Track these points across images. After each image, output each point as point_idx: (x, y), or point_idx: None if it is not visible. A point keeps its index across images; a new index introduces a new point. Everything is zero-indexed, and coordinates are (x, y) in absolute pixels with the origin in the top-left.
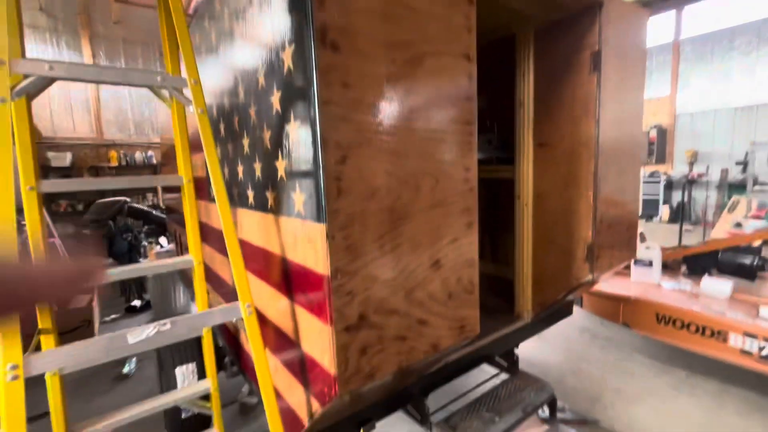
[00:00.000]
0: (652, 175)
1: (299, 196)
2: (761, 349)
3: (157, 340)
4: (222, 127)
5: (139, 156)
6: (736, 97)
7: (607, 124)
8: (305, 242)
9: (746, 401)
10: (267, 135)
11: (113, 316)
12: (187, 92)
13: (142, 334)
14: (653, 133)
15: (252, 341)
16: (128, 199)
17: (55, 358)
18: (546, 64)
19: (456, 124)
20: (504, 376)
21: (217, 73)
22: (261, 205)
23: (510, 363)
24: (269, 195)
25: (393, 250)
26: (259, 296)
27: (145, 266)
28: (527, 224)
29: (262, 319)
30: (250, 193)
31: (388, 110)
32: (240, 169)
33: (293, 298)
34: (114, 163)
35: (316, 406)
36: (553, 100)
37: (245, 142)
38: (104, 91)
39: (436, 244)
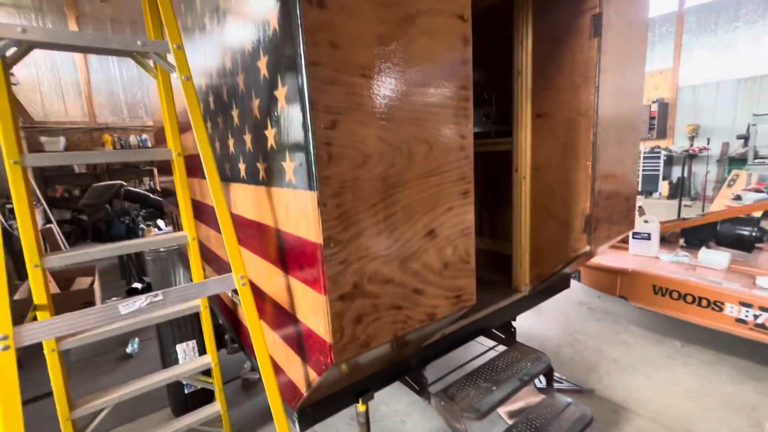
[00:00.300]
0: (652, 150)
1: (289, 165)
2: (756, 317)
3: (150, 311)
4: (211, 99)
5: (134, 140)
6: (740, 68)
7: (606, 92)
8: (297, 212)
9: (739, 368)
10: (256, 104)
11: (114, 299)
12: (171, 58)
13: (134, 304)
14: (654, 108)
15: (246, 312)
16: (124, 183)
17: (46, 329)
18: (545, 30)
19: (450, 88)
20: (501, 348)
21: (204, 43)
22: (253, 178)
23: (507, 335)
24: (260, 166)
25: (386, 219)
26: (256, 271)
27: (140, 242)
28: (525, 197)
29: (260, 294)
30: (242, 166)
31: (379, 73)
32: (231, 142)
33: (288, 270)
34: (109, 147)
35: (313, 375)
36: (552, 68)
37: (234, 113)
38: (95, 73)
39: (430, 213)
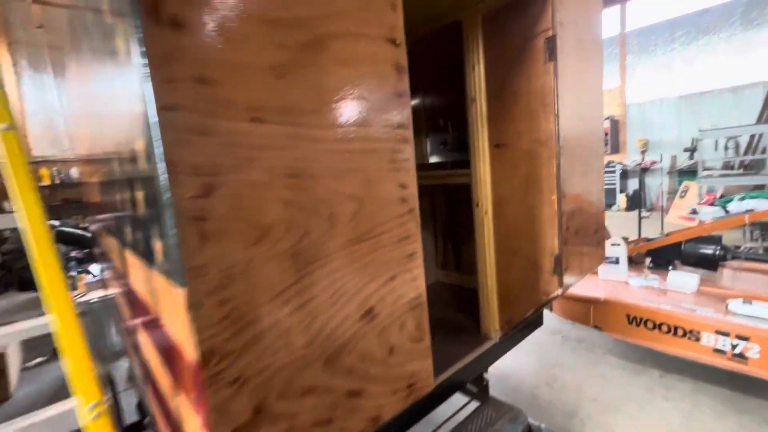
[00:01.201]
0: (608, 165)
1: (157, 245)
2: (734, 347)
3: None
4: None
5: (75, 172)
6: (680, 86)
7: (567, 118)
8: (172, 311)
9: (721, 399)
10: (123, 154)
11: (39, 360)
12: None
13: None
14: (607, 124)
15: None
16: (56, 223)
17: None
18: (498, 54)
19: (383, 128)
20: (474, 404)
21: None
22: (135, 247)
23: (480, 388)
24: (138, 236)
25: (302, 307)
26: (156, 370)
27: None
28: (488, 235)
29: (165, 408)
30: (127, 230)
31: (280, 114)
32: (118, 196)
33: (176, 383)
34: (46, 182)
35: None
36: (507, 95)
37: (113, 161)
38: (31, 102)
39: (366, 288)
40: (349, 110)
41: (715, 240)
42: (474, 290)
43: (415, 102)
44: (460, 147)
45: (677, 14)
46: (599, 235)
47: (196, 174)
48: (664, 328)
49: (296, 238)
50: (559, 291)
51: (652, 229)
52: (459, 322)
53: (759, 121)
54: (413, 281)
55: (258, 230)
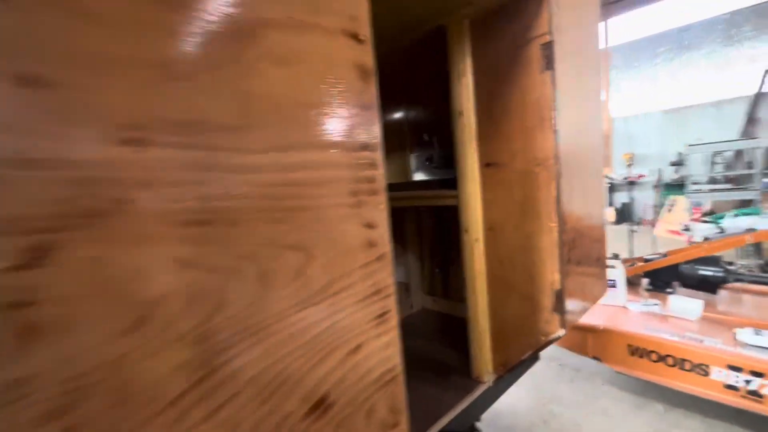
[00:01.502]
0: None
1: None
2: (747, 383)
3: None
4: None
5: None
6: (664, 100)
7: (566, 134)
8: None
9: None
10: None
11: None
12: None
13: None
14: None
15: None
16: None
17: None
18: (487, 64)
19: (342, 151)
20: None
21: None
22: None
23: None
24: None
25: (210, 418)
26: None
27: None
28: (479, 266)
29: None
30: None
31: (177, 132)
32: None
33: None
34: None
35: None
36: (499, 108)
37: None
38: None
39: (316, 370)
40: (289, 126)
41: (715, 260)
42: (464, 319)
43: (398, 115)
44: (447, 164)
45: (659, 30)
46: (601, 263)
47: (16, 232)
48: (670, 361)
49: (203, 314)
50: (561, 332)
51: (642, 244)
52: (447, 360)
53: (742, 135)
54: (385, 349)
55: (134, 311)
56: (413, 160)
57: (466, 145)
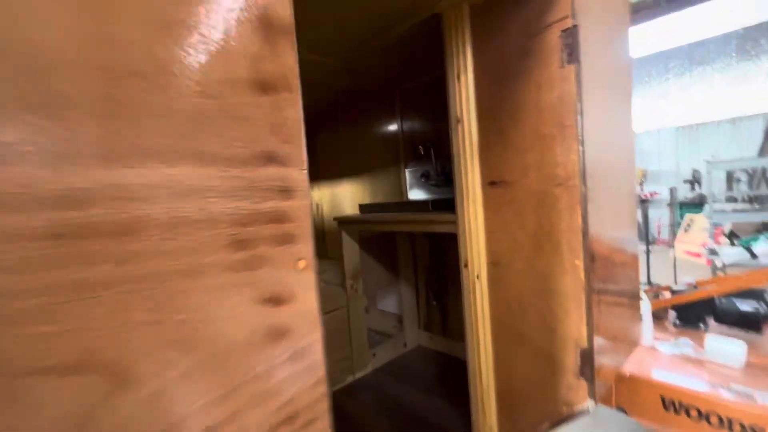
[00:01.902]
0: None
1: None
2: None
3: None
4: None
5: None
6: (677, 116)
7: (594, 145)
8: None
9: None
10: None
11: None
12: None
13: None
14: None
15: None
16: None
17: None
18: (492, 58)
19: (216, 165)
20: None
21: None
22: None
23: None
24: None
25: None
26: None
27: None
28: (482, 309)
29: None
30: None
31: None
32: None
33: None
34: None
35: None
36: (506, 113)
37: None
38: None
39: None
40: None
41: (757, 294)
42: (464, 362)
43: (392, 128)
44: (446, 180)
45: (670, 46)
46: (633, 303)
47: None
48: (714, 419)
49: None
50: (589, 404)
51: (660, 266)
52: (444, 419)
53: (760, 152)
54: None
55: None
56: (408, 176)
57: (467, 158)
